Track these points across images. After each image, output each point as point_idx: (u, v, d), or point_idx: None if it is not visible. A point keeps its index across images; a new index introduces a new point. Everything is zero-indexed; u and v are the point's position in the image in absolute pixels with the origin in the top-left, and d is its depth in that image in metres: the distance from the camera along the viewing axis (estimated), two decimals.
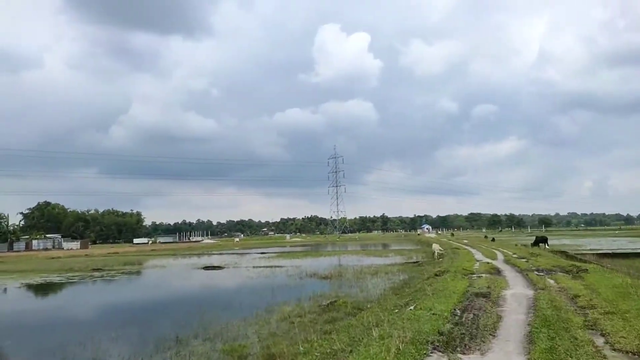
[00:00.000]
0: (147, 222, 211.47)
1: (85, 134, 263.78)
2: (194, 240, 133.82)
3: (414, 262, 30.37)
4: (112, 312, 17.00)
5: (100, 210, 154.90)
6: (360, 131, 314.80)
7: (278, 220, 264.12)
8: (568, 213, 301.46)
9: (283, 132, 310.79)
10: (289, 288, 20.76)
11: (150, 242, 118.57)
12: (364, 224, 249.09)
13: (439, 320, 9.47)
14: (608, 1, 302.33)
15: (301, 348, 9.15)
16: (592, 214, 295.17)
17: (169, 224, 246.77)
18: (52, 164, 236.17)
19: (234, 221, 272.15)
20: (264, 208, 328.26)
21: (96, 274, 32.68)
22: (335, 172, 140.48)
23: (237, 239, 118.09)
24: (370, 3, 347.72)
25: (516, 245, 42.98)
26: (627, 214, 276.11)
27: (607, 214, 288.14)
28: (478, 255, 28.45)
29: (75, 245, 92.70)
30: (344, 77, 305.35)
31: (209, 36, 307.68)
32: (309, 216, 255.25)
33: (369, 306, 14.39)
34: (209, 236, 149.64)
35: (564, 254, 29.73)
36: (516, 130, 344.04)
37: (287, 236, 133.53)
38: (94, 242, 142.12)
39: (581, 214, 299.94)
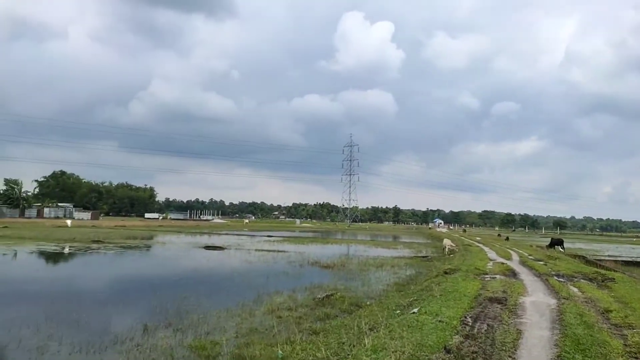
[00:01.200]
0: (161, 197, 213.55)
1: (105, 108, 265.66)
2: (204, 218, 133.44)
3: (423, 257, 28.69)
4: (83, 291, 15.52)
5: (115, 183, 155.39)
6: (378, 122, 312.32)
7: (290, 205, 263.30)
8: (584, 217, 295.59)
9: (301, 118, 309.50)
10: (286, 276, 19.29)
11: (161, 217, 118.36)
12: (376, 214, 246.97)
13: (446, 329, 7.92)
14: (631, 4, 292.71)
15: (280, 352, 7.67)
16: (608, 219, 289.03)
17: (181, 201, 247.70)
18: (71, 135, 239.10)
19: (246, 203, 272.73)
20: (278, 192, 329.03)
21: (94, 246, 31.64)
22: (350, 160, 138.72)
23: (247, 220, 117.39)
24: None
25: (531, 246, 40.99)
26: None
27: (623, 220, 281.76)
28: (491, 254, 26.70)
29: (86, 215, 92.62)
30: (365, 66, 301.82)
31: (232, 17, 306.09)
32: (321, 203, 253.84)
33: (368, 303, 12.86)
34: (220, 216, 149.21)
35: (583, 258, 27.82)
36: (537, 130, 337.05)
37: (298, 221, 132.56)
38: (107, 214, 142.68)
39: (597, 218, 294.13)
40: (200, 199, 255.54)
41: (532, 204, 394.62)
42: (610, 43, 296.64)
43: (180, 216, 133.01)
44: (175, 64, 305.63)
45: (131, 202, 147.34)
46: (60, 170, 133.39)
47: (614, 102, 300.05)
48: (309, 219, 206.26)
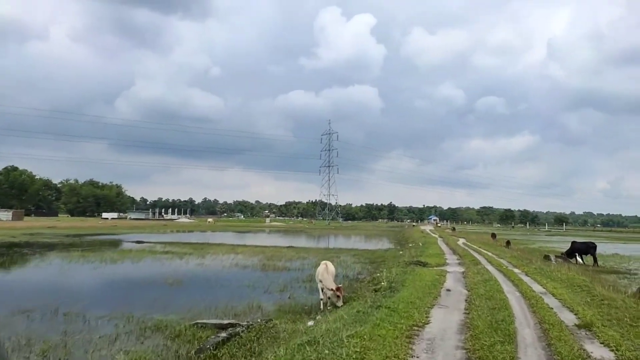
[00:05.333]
0: (153, 197, 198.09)
1: (93, 108, 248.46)
2: (167, 217, 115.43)
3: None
4: None
5: (81, 181, 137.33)
6: (365, 118, 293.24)
7: (283, 203, 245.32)
8: (584, 212, 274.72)
9: (289, 115, 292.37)
10: None
11: (110, 218, 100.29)
12: (370, 212, 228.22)
13: None
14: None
15: None
16: (608, 214, 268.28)
17: (173, 200, 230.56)
18: (59, 134, 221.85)
19: (239, 201, 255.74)
20: (271, 190, 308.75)
21: None
22: (329, 150, 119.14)
23: (210, 220, 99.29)
24: None
25: (556, 256, 22.42)
26: None
27: (624, 215, 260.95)
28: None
29: (5, 215, 74.72)
30: (348, 62, 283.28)
31: (208, 15, 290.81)
32: (313, 201, 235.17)
33: None
34: (187, 215, 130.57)
35: None
36: (528, 126, 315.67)
37: (267, 220, 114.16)
38: (71, 214, 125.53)
39: (597, 213, 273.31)
40: (193, 199, 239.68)
41: (529, 199, 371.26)
42: (590, 38, 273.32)
43: (142, 215, 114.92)
44: (157, 62, 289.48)
45: (96, 200, 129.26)
46: (12, 166, 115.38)
47: (599, 96, 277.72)
48: (300, 218, 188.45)
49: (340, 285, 10.89)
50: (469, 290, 11.03)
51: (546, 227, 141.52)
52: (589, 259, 25.00)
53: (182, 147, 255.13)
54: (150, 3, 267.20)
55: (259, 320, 8.92)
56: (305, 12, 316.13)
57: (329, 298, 10.67)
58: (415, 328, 7.15)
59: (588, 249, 25.40)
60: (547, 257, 23.44)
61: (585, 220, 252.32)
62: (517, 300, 9.74)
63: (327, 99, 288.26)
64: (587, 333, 6.96)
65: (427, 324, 7.53)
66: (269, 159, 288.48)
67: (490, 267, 16.07)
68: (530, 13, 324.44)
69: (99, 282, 15.12)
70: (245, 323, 8.51)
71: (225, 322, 8.60)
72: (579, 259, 24.91)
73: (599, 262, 24.53)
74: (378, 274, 14.73)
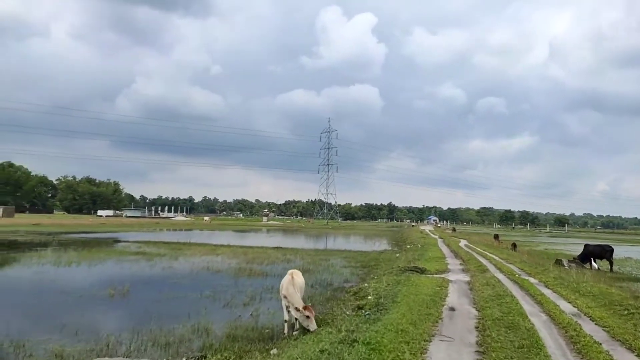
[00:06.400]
0: (152, 195, 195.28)
1: (92, 105, 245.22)
2: (163, 216, 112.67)
3: None
4: None
5: (79, 178, 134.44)
6: (367, 117, 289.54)
7: (283, 202, 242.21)
8: (583, 214, 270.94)
9: (288, 114, 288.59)
10: None
11: (105, 215, 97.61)
12: (369, 211, 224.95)
13: None
14: (616, 1, 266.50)
15: None
16: (608, 216, 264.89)
17: (173, 198, 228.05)
18: (59, 132, 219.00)
19: (238, 200, 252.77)
20: (270, 189, 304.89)
21: None
22: (328, 148, 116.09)
23: (206, 219, 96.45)
24: None
25: (569, 261, 19.73)
26: None
27: (623, 216, 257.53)
28: None
29: None
30: (349, 61, 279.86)
31: (210, 14, 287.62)
32: (313, 200, 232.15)
33: None
34: (184, 213, 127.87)
35: None
36: (528, 126, 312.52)
37: (265, 219, 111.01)
38: (67, 211, 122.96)
39: (597, 215, 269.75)
40: (193, 197, 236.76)
41: (529, 200, 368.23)
42: (591, 39, 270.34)
43: (138, 213, 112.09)
44: (158, 60, 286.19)
45: (92, 198, 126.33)
46: (7, 162, 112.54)
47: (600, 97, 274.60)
48: (299, 217, 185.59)
49: (309, 305, 8.22)
50: (479, 310, 8.36)
51: (547, 228, 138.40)
52: (603, 263, 22.36)
53: (182, 145, 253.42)
54: (150, 1, 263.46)
55: (184, 358, 6.23)
56: (306, 12, 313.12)
57: (295, 319, 8.04)
58: None
59: (604, 252, 22.67)
60: (559, 262, 20.76)
61: (585, 222, 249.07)
62: (547, 328, 7.06)
63: (327, 98, 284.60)
64: None
65: None
66: (269, 158, 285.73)
67: (500, 276, 13.38)
68: (530, 15, 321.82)
69: (24, 293, 12.38)
70: None
71: None
72: (594, 263, 22.22)
73: (615, 267, 21.89)
74: (366, 284, 12.06)
